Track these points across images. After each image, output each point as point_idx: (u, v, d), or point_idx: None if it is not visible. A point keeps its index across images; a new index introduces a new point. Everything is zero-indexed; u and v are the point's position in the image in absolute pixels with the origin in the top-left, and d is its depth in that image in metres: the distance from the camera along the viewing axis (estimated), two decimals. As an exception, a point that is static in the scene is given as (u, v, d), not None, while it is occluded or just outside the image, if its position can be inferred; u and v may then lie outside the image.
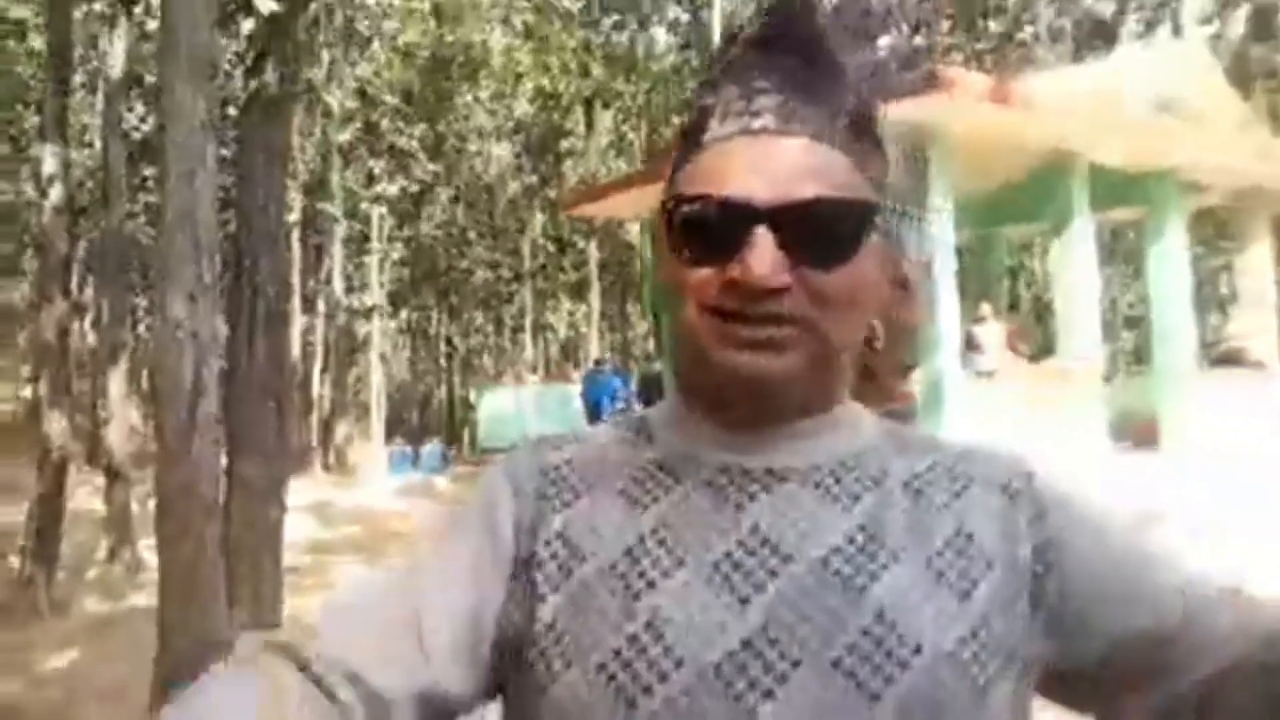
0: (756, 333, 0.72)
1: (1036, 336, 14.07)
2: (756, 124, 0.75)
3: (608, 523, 0.76)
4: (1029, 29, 21.22)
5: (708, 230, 0.73)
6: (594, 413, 15.72)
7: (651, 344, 17.14)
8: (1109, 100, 8.78)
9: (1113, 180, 10.19)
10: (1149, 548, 0.78)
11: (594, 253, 26.23)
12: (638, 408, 16.62)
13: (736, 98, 0.77)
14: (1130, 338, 23.46)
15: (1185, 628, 0.73)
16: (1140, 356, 17.20)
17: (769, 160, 0.73)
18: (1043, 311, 16.87)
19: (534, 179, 29.29)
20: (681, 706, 0.67)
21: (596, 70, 25.40)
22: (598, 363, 19.43)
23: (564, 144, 28.45)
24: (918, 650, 0.68)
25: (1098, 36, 19.63)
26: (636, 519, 0.76)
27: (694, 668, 0.68)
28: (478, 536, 0.78)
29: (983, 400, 8.69)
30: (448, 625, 0.74)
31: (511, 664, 0.75)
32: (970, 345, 10.07)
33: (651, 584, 0.72)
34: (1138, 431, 10.17)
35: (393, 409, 29.84)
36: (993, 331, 10.49)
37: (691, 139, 0.79)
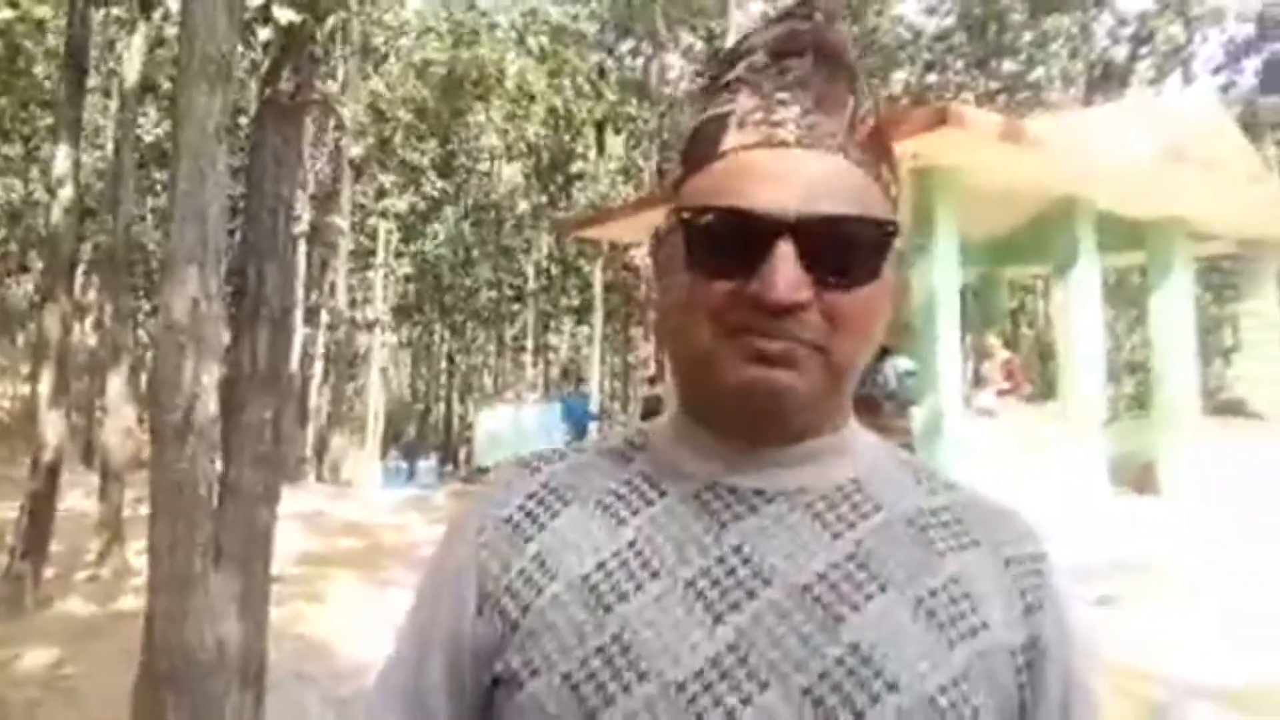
0: (772, 346, 0.69)
1: (1033, 376, 14.05)
2: (779, 135, 0.71)
3: (584, 536, 0.74)
4: (1041, 70, 21.36)
5: (725, 243, 0.69)
6: (580, 434, 15.81)
7: (653, 366, 17.11)
8: (1119, 145, 8.80)
9: (1119, 225, 10.19)
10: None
11: (598, 275, 26.27)
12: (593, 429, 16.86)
13: (755, 107, 0.73)
14: (1132, 382, 23.42)
15: None
16: (1141, 402, 17.16)
17: (793, 173, 0.70)
18: (1044, 352, 16.86)
19: (542, 200, 29.40)
20: None
21: (609, 94, 25.52)
22: (581, 394, 19.65)
23: (574, 166, 28.57)
24: (893, 687, 0.66)
25: (1109, 81, 19.76)
26: (614, 531, 0.74)
27: (659, 683, 0.66)
28: (442, 605, 0.78)
29: (982, 439, 8.65)
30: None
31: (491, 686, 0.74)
32: (978, 381, 10.07)
33: (623, 596, 0.70)
34: (1137, 477, 10.13)
35: (390, 424, 29.85)
36: (997, 365, 10.50)
37: (703, 148, 0.75)
